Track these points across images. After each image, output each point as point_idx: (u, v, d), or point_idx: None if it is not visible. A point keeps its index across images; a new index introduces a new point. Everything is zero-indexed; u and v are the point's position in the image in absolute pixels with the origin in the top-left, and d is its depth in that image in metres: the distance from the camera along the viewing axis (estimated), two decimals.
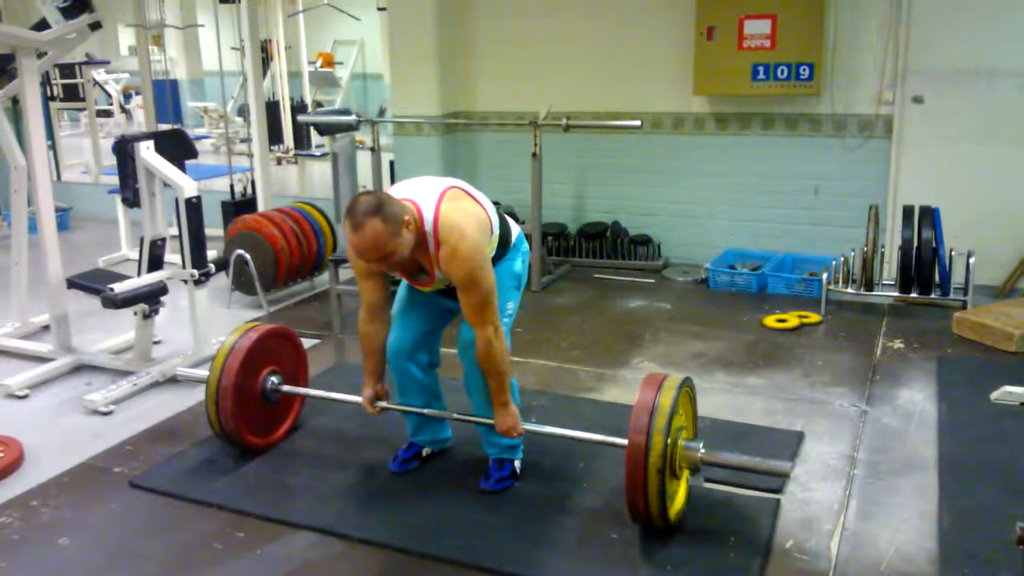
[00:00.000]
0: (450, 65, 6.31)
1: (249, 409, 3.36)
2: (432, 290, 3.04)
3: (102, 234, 7.40)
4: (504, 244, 3.03)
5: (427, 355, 3.18)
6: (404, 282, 3.16)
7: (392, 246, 2.65)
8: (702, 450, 2.80)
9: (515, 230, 3.14)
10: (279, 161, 10.25)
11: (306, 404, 3.68)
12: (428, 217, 2.76)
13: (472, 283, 2.77)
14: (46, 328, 4.84)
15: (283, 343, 3.55)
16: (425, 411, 3.19)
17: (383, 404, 3.17)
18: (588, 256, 6.21)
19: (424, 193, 2.82)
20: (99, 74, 11.67)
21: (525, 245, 3.19)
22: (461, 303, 2.84)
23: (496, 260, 2.96)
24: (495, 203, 3.05)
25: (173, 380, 4.19)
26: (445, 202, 2.80)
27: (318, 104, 11.30)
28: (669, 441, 2.65)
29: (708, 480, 3.05)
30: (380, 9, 8.99)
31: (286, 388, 3.48)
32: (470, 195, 2.91)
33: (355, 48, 13.08)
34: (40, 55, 4.50)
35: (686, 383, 2.84)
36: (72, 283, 4.32)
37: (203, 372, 3.43)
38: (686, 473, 2.86)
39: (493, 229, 2.92)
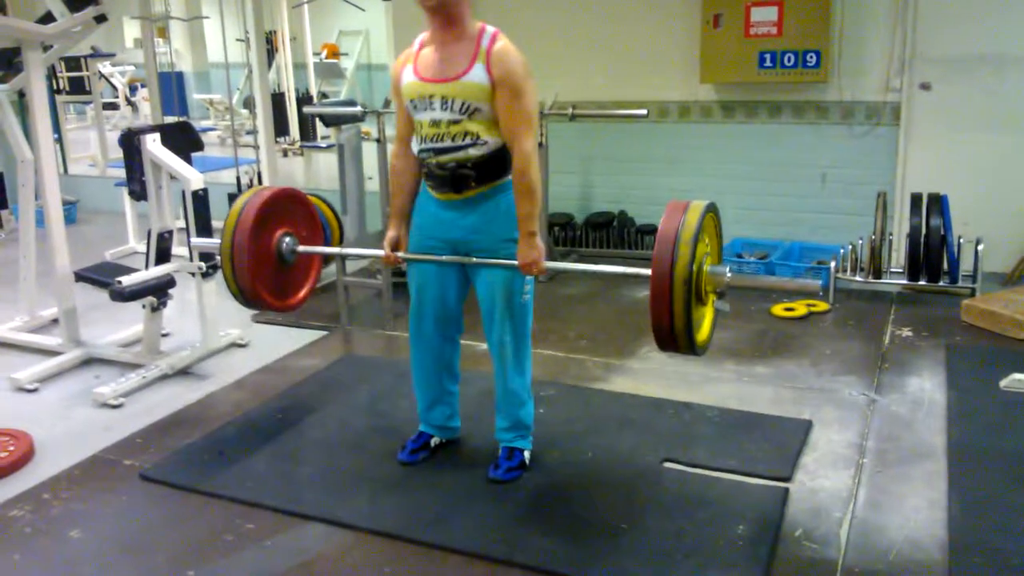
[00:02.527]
0: None
1: (265, 269, 3.29)
2: (443, 164, 2.92)
3: (109, 227, 7.41)
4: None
5: (453, 326, 3.19)
6: (417, 278, 3.15)
7: None
8: (728, 273, 2.73)
9: None
10: (285, 153, 10.25)
11: (311, 398, 3.67)
12: (489, 28, 2.84)
13: (519, 87, 2.77)
14: (55, 322, 4.85)
15: (295, 206, 3.46)
16: (444, 258, 3.05)
17: (402, 254, 3.13)
18: (595, 246, 6.20)
19: None
20: (105, 67, 11.67)
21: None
22: (503, 112, 2.81)
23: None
24: None
25: (182, 372, 4.20)
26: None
27: (323, 95, 11.29)
28: (694, 266, 2.59)
29: (716, 469, 3.05)
30: None
31: (302, 248, 3.40)
32: None
33: (360, 39, 13.04)
34: (46, 48, 4.50)
35: (710, 208, 2.73)
36: (80, 276, 4.34)
37: (215, 240, 3.39)
38: (712, 298, 2.79)
39: None
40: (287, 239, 3.37)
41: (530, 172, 2.81)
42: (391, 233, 3.13)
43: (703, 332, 2.78)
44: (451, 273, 3.11)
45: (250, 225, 3.20)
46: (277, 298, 3.39)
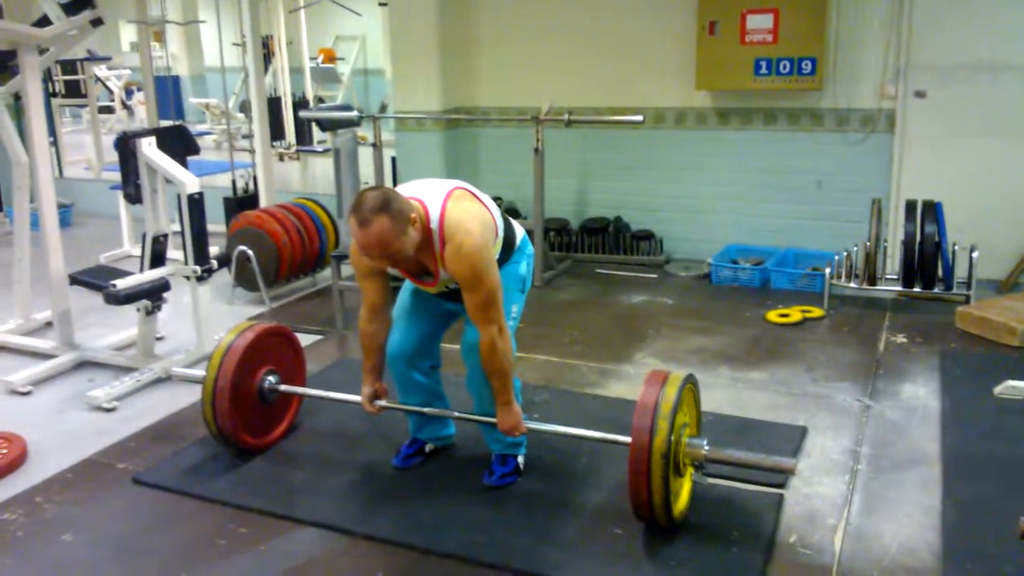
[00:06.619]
0: (452, 60, 6.30)
1: (246, 409, 3.33)
2: (435, 292, 3.03)
3: (104, 230, 7.40)
4: (508, 247, 3.03)
5: (428, 359, 3.18)
6: (406, 284, 3.16)
7: (398, 244, 2.65)
8: (706, 447, 2.79)
9: (519, 233, 3.13)
10: (281, 157, 10.24)
11: (307, 402, 3.68)
12: (434, 215, 2.76)
13: (476, 281, 2.76)
14: (49, 325, 4.85)
15: (280, 342, 3.53)
16: (426, 410, 3.19)
17: (382, 403, 3.16)
18: (590, 251, 6.20)
19: (430, 193, 2.82)
20: (101, 70, 11.68)
21: (530, 248, 3.18)
22: (465, 302, 2.83)
23: (501, 263, 2.95)
24: (496, 199, 3.04)
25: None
26: (451, 201, 2.80)
27: (320, 100, 11.29)
28: (673, 438, 2.65)
29: (711, 475, 3.05)
30: (382, 4, 8.97)
31: (283, 388, 3.46)
32: (476, 196, 2.91)
33: (357, 44, 13.05)
34: (42, 51, 4.50)
35: (689, 380, 2.83)
36: (74, 279, 4.33)
37: (199, 372, 3.42)
38: (690, 471, 2.86)
39: (498, 232, 2.92)
40: (270, 378, 3.41)
41: (496, 356, 2.83)
42: (367, 390, 3.13)
43: (680, 503, 2.82)
44: (432, 318, 3.16)
45: (233, 369, 3.24)
46: (256, 437, 3.42)
